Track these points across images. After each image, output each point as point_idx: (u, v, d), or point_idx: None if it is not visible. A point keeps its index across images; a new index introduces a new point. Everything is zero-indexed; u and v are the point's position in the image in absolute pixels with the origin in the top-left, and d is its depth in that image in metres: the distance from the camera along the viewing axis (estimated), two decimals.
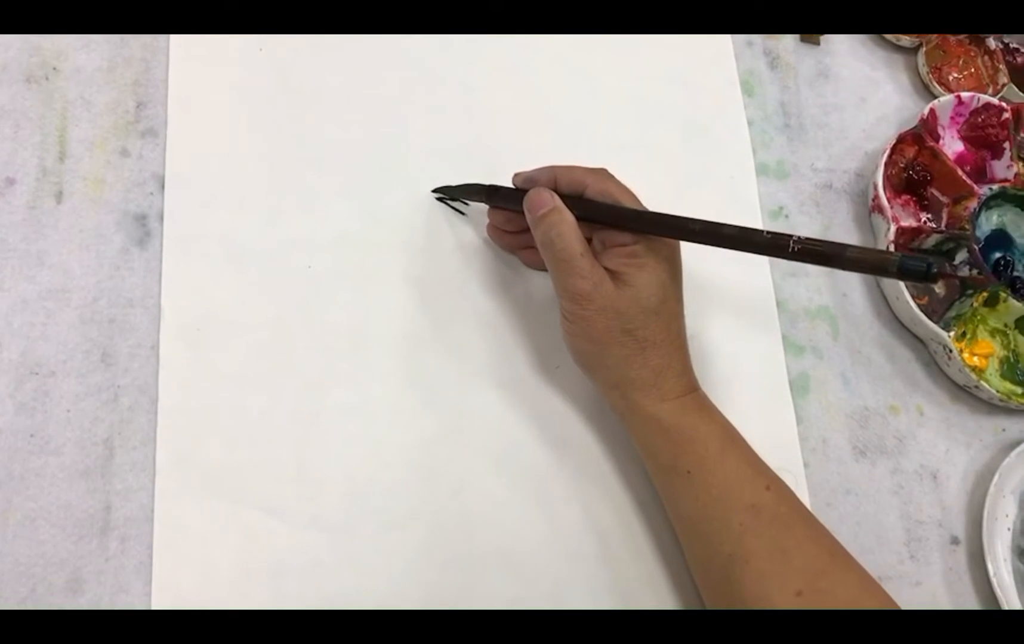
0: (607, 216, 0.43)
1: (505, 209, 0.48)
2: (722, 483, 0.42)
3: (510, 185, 0.47)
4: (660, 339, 0.43)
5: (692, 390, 0.44)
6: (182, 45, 0.50)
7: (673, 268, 0.44)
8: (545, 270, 0.46)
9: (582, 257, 0.42)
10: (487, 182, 0.49)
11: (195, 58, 0.50)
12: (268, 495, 0.44)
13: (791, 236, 0.39)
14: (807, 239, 0.39)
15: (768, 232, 0.40)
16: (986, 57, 0.63)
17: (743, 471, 0.43)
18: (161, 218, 0.47)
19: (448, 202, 0.51)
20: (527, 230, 0.46)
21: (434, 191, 0.51)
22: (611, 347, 0.42)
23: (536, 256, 0.48)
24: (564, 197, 0.44)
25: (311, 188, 0.49)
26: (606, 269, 0.43)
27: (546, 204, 0.43)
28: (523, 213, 0.45)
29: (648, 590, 0.46)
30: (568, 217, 0.43)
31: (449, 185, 0.50)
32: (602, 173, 0.45)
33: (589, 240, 0.44)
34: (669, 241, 0.44)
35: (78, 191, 0.46)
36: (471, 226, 0.51)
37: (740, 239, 0.41)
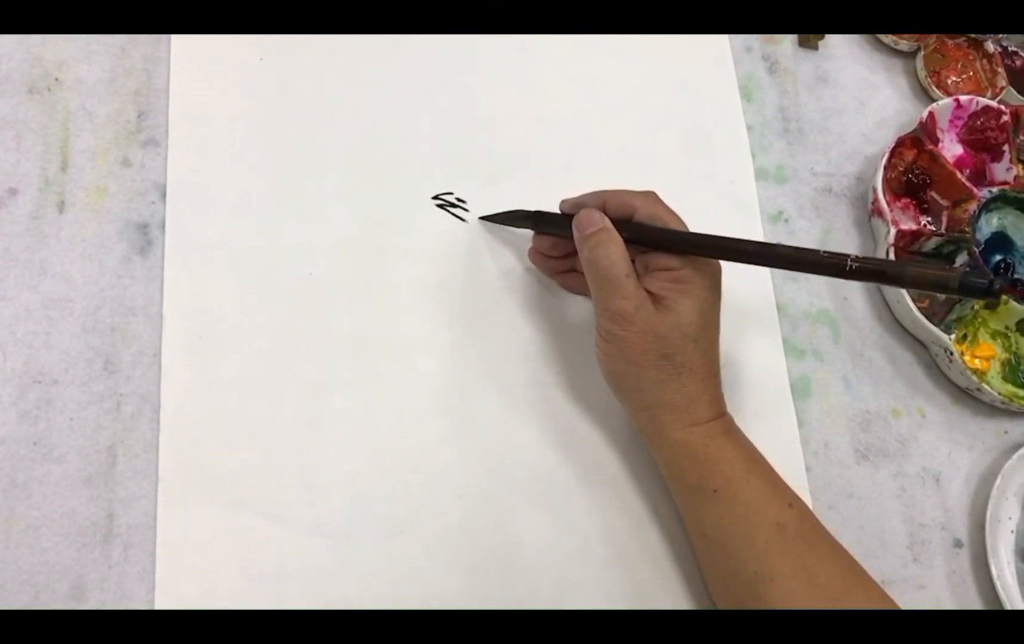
0: (657, 238, 0.43)
1: (550, 234, 0.48)
2: (748, 501, 0.42)
3: (553, 209, 0.48)
4: (697, 366, 0.42)
5: (721, 415, 0.44)
6: (183, 55, 0.50)
7: (715, 295, 0.44)
8: (585, 294, 0.46)
9: (627, 277, 0.42)
10: (486, 188, 0.48)
11: (196, 67, 0.50)
12: (270, 501, 0.44)
13: (848, 255, 0.39)
14: (864, 258, 0.39)
15: (825, 251, 0.40)
16: (984, 60, 0.63)
17: (767, 489, 0.43)
18: (163, 227, 0.47)
19: (448, 208, 0.51)
20: (571, 255, 0.46)
21: (481, 218, 0.51)
22: (647, 370, 0.42)
23: (575, 280, 0.49)
24: (613, 220, 0.44)
25: (312, 195, 0.50)
26: (648, 293, 0.42)
27: (595, 223, 0.43)
28: (568, 238, 0.45)
29: (662, 593, 0.46)
30: (616, 238, 0.43)
31: (495, 213, 0.50)
32: (651, 196, 0.45)
33: (632, 262, 0.43)
34: (714, 266, 0.44)
35: (80, 201, 0.46)
36: (471, 233, 0.51)
37: (795, 259, 0.41)
